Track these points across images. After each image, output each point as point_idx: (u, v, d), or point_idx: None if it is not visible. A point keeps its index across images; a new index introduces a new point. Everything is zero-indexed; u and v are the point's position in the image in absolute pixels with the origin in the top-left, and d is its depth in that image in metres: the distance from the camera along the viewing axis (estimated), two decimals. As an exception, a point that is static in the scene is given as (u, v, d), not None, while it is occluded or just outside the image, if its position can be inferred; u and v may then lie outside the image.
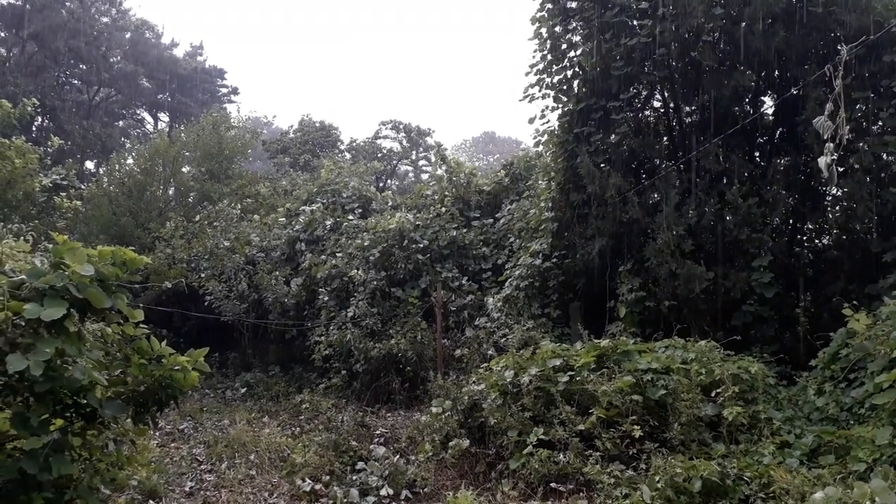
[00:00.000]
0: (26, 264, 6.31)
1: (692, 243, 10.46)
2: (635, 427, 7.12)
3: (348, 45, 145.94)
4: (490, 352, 11.45)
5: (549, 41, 12.17)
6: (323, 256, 16.56)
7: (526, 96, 12.56)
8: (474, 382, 8.92)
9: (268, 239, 18.15)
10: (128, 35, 48.11)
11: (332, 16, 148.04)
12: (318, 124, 37.91)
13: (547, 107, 12.35)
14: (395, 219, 15.87)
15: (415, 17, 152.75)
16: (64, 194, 18.99)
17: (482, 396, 8.34)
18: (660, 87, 12.10)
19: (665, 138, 12.12)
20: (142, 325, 4.65)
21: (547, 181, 12.96)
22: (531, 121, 12.59)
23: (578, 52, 12.00)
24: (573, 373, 8.01)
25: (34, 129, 38.41)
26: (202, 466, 8.85)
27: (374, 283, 14.81)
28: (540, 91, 12.37)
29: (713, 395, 7.51)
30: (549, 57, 12.20)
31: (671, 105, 12.20)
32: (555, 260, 12.26)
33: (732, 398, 7.25)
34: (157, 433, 10.40)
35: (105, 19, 46.20)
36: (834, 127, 6.40)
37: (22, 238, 9.58)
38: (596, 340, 8.93)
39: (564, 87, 12.19)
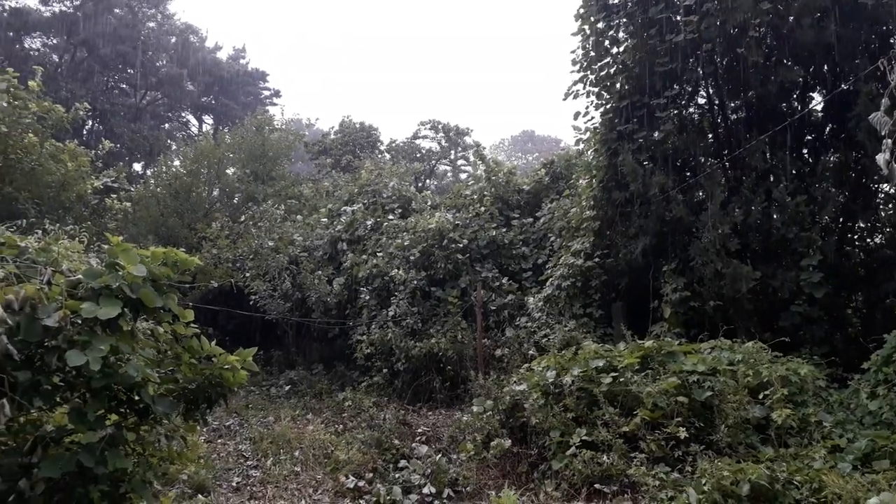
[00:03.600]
0: (81, 264, 6.53)
1: (738, 242, 10.24)
2: (681, 429, 7.01)
3: (388, 46, 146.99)
4: (531, 352, 11.40)
5: (591, 37, 12.08)
6: (364, 256, 16.72)
7: (569, 93, 12.48)
8: (515, 382, 8.90)
9: (310, 239, 18.39)
10: (173, 39, 49.25)
11: (371, 17, 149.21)
12: (358, 125, 38.23)
13: (590, 103, 12.25)
14: (434, 218, 15.93)
15: (454, 16, 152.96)
16: (114, 196, 19.54)
17: (524, 396, 8.31)
18: (704, 83, 11.89)
19: (710, 135, 11.89)
20: (191, 325, 4.76)
21: (588, 179, 12.84)
22: (575, 117, 12.50)
23: (622, 48, 11.87)
24: (616, 374, 7.92)
25: (85, 132, 39.61)
26: (248, 462, 9.02)
27: (415, 282, 14.89)
28: (583, 88, 12.29)
29: (761, 397, 7.36)
30: (592, 53, 12.10)
31: (716, 102, 11.97)
32: (597, 259, 12.15)
33: (781, 401, 7.08)
34: (205, 429, 10.63)
35: (151, 24, 47.39)
36: (891, 122, 6.19)
37: (76, 239, 9.92)
38: (639, 341, 8.83)
39: (607, 84, 12.06)
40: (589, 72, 12.26)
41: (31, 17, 41.37)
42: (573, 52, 12.48)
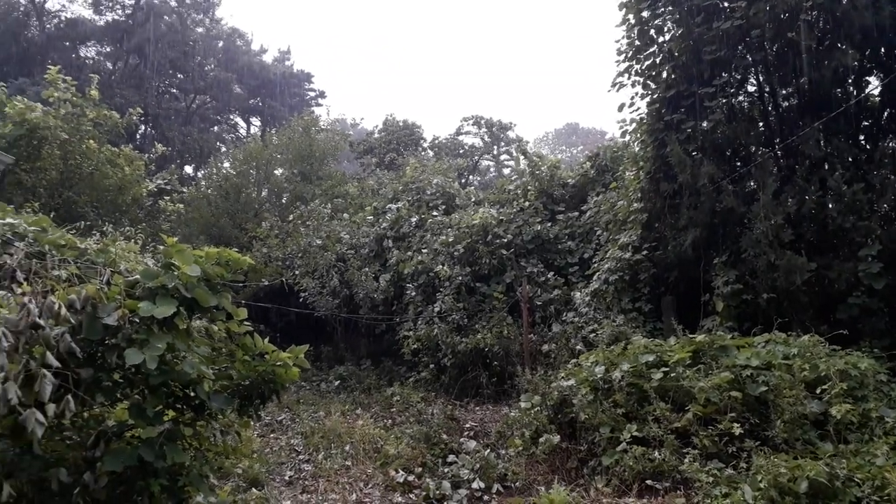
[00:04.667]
0: (137, 264, 6.74)
1: (792, 233, 9.93)
2: (734, 424, 6.85)
3: (430, 43, 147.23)
4: (578, 347, 11.30)
5: (636, 27, 11.88)
6: (409, 253, 16.81)
7: (614, 84, 12.30)
8: (563, 378, 8.85)
9: (357, 236, 18.59)
10: (220, 44, 50.35)
11: (413, 15, 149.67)
12: (401, 123, 38.45)
13: (636, 94, 12.04)
14: (478, 214, 15.92)
15: (496, 11, 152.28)
16: (167, 198, 20.14)
17: (572, 392, 8.25)
18: (754, 70, 11.56)
19: (760, 124, 11.55)
20: (244, 323, 4.87)
21: (635, 171, 12.64)
22: (620, 109, 12.31)
23: (668, 37, 11.64)
24: (667, 369, 7.80)
25: (138, 136, 40.84)
26: (300, 456, 9.19)
27: (459, 278, 14.91)
28: (628, 79, 12.09)
29: (818, 392, 7.13)
30: (638, 43, 11.90)
31: (766, 89, 11.62)
32: (645, 252, 11.94)
33: (840, 395, 6.85)
34: (258, 424, 10.86)
35: (200, 29, 48.52)
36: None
37: (132, 240, 10.25)
38: (690, 335, 8.66)
39: (653, 74, 11.85)
40: (634, 62, 12.06)
41: (85, 27, 42.87)
42: (618, 42, 12.29)
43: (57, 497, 4.26)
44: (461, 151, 41.41)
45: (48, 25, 41.99)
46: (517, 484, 7.62)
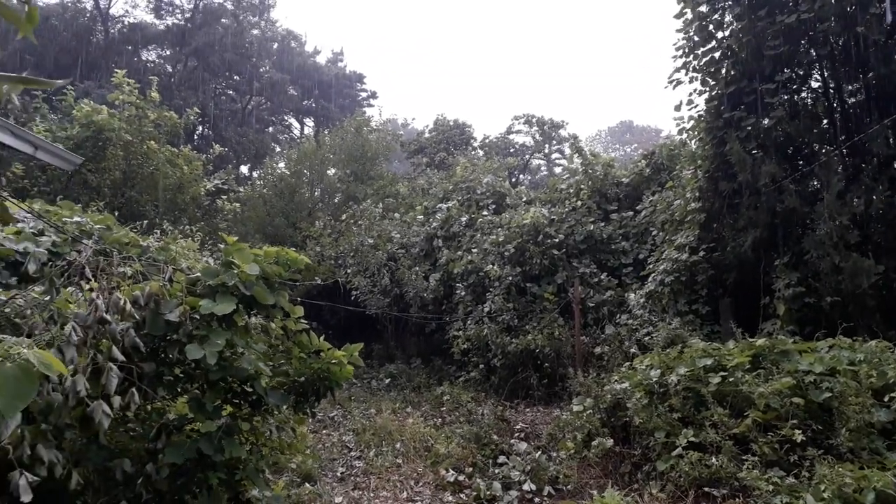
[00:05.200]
0: (196, 262, 6.92)
1: (858, 234, 9.53)
2: (796, 431, 6.60)
3: (481, 43, 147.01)
4: (632, 350, 11.08)
5: (695, 22, 11.58)
6: (459, 252, 16.81)
7: (671, 81, 12.03)
8: (617, 381, 8.70)
9: (407, 236, 18.69)
10: (275, 46, 51.39)
11: (464, 15, 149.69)
12: (451, 123, 38.51)
13: (694, 91, 11.76)
14: (529, 214, 15.79)
15: (548, 8, 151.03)
16: (224, 197, 20.67)
17: (626, 395, 8.11)
18: (819, 65, 11.13)
19: (825, 121, 11.12)
20: (300, 321, 4.94)
21: (693, 170, 12.33)
22: (678, 107, 12.03)
23: (728, 32, 11.32)
24: (726, 373, 7.57)
25: (196, 137, 42.02)
26: (352, 453, 9.28)
27: (510, 278, 14.83)
28: (686, 75, 11.81)
29: (887, 399, 6.81)
30: (696, 39, 11.60)
31: (832, 85, 11.18)
32: (702, 253, 11.63)
33: (910, 404, 6.54)
34: (311, 420, 11.03)
35: (255, 31, 49.62)
36: None
37: (191, 238, 10.55)
38: (750, 339, 8.40)
39: (712, 70, 11.53)
40: (692, 58, 11.76)
41: (146, 31, 44.35)
42: (676, 37, 12.02)
43: (121, 487, 4.40)
44: (512, 150, 41.24)
45: (112, 30, 43.58)
46: (569, 487, 7.53)
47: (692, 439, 7.06)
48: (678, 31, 11.92)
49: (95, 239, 6.21)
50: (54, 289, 4.07)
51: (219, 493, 4.60)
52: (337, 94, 52.55)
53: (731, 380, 7.45)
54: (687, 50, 11.81)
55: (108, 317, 3.94)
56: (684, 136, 13.06)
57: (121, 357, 3.93)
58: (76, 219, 7.03)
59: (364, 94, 55.31)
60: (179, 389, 4.73)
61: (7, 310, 5.17)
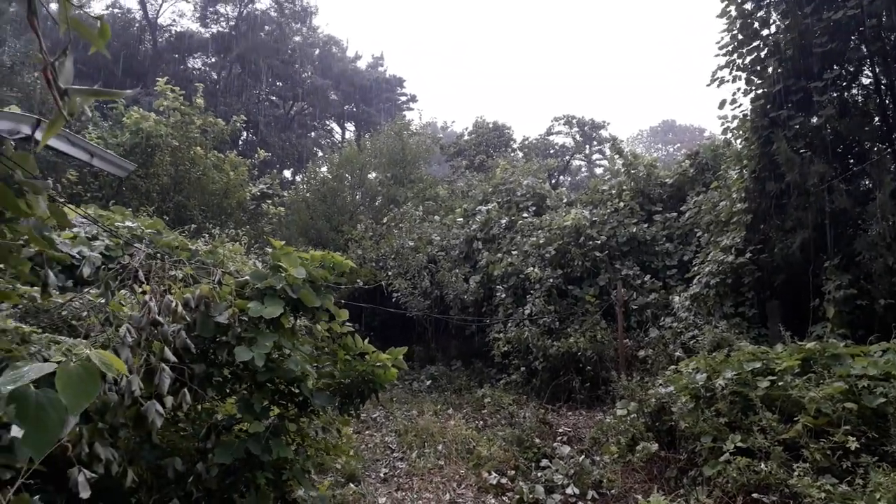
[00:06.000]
0: (243, 265, 7.06)
1: (914, 234, 9.22)
2: (849, 438, 6.42)
3: (521, 45, 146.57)
4: (677, 353, 10.92)
5: (739, 20, 11.36)
6: (499, 254, 16.78)
7: (714, 80, 11.82)
8: (661, 385, 8.59)
9: (447, 238, 18.74)
10: (317, 51, 52.09)
11: (504, 17, 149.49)
12: (491, 125, 38.43)
13: (738, 89, 11.52)
14: (570, 215, 15.68)
15: (588, 8, 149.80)
16: (269, 202, 21.06)
17: (671, 399, 7.99)
18: (869, 62, 10.78)
19: (876, 118, 10.77)
20: (345, 324, 5.01)
21: (739, 170, 12.08)
22: (721, 105, 11.81)
23: (773, 29, 11.07)
24: (774, 377, 7.40)
25: (241, 143, 42.85)
26: (394, 454, 9.34)
27: (551, 280, 14.74)
28: (730, 74, 11.58)
29: (946, 406, 6.57)
30: (740, 37, 11.38)
31: (883, 81, 10.81)
32: (749, 255, 11.39)
33: (971, 410, 6.29)
34: (354, 421, 11.14)
35: (297, 38, 50.37)
36: None
37: (238, 242, 10.78)
38: (799, 342, 8.20)
39: (757, 69, 11.29)
40: (736, 56, 11.54)
41: (192, 40, 45.45)
42: (719, 35, 11.80)
43: (173, 485, 4.52)
44: (552, 152, 40.96)
45: (160, 39, 44.76)
46: (613, 491, 7.46)
47: (740, 444, 6.92)
48: (722, 30, 11.71)
49: (147, 243, 6.40)
50: (109, 292, 4.21)
51: (266, 493, 4.69)
52: (377, 99, 52.97)
53: (780, 384, 7.28)
54: (731, 48, 11.59)
55: (160, 319, 4.06)
56: (729, 135, 12.81)
57: (172, 358, 4.05)
58: (128, 223, 7.24)
59: (404, 98, 55.64)
60: (228, 390, 4.85)
61: (64, 312, 5.36)
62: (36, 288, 4.92)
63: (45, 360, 4.10)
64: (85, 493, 3.21)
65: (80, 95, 1.61)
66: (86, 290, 5.48)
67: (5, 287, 4.66)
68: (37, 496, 2.87)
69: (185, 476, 4.48)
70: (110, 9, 41.87)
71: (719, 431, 7.24)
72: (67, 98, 1.57)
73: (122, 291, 4.69)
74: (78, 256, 6.16)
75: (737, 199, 11.91)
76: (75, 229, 6.84)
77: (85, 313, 5.31)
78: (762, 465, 6.59)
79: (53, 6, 1.60)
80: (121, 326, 4.00)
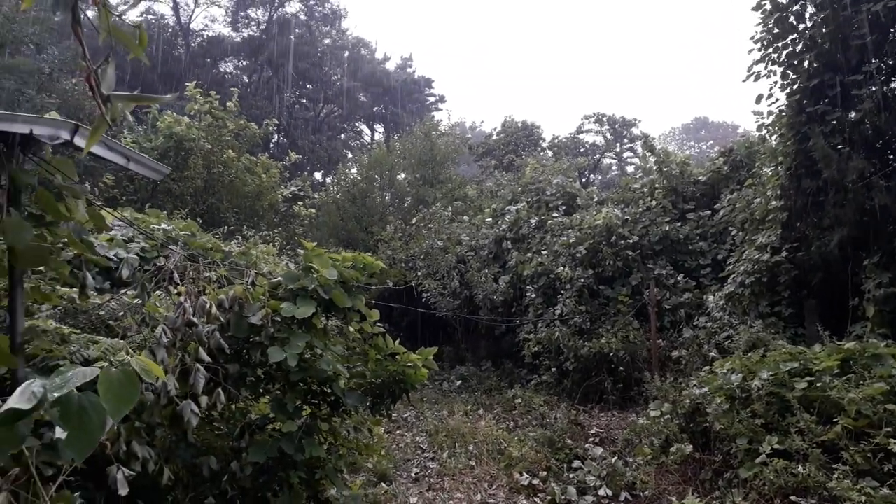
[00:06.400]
0: (275, 266, 7.13)
1: (958, 231, 8.94)
2: (891, 440, 6.25)
3: (551, 43, 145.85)
4: (712, 353, 10.75)
5: (774, 13, 11.12)
6: (529, 254, 16.70)
7: (749, 75, 11.59)
8: (695, 385, 8.46)
9: (476, 238, 18.71)
10: (346, 54, 52.46)
11: (533, 17, 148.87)
12: (519, 124, 38.29)
13: (774, 84, 11.29)
14: (601, 214, 15.54)
15: (619, 6, 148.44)
16: (300, 203, 21.29)
17: (705, 400, 7.87)
18: (911, 54, 10.50)
19: (919, 112, 10.48)
20: (376, 324, 5.04)
21: (774, 167, 11.84)
22: (758, 101, 11.59)
23: (809, 23, 10.82)
24: (812, 378, 7.24)
25: (272, 145, 43.35)
26: (425, 454, 9.35)
27: (582, 280, 14.62)
28: (765, 68, 11.35)
29: None
30: (776, 31, 11.14)
31: (926, 74, 10.53)
32: (785, 253, 11.15)
33: None
34: (384, 421, 11.19)
35: (327, 41, 50.80)
36: None
37: (270, 243, 10.91)
38: (837, 342, 8.01)
39: (793, 63, 11.04)
40: (772, 50, 11.30)
41: (224, 44, 46.13)
42: (754, 29, 11.59)
43: (208, 483, 4.59)
44: (582, 150, 40.67)
45: (192, 44, 45.51)
46: (646, 493, 7.37)
47: (777, 446, 6.79)
48: (756, 24, 11.50)
49: (181, 245, 6.51)
50: (146, 293, 4.29)
51: (299, 492, 4.73)
52: (406, 100, 53.16)
53: (818, 385, 7.12)
54: (766, 42, 11.36)
55: (195, 319, 4.12)
56: (764, 131, 12.55)
57: (207, 358, 4.11)
58: (163, 226, 7.38)
59: (433, 99, 55.76)
60: (261, 390, 4.90)
61: (102, 313, 5.48)
62: (75, 289, 5.05)
63: (84, 360, 4.20)
64: (123, 491, 3.27)
65: (121, 101, 1.65)
66: (122, 291, 5.59)
67: (46, 289, 4.78)
68: (77, 493, 2.93)
69: (220, 475, 4.54)
70: (144, 15, 42.72)
71: (755, 433, 7.11)
72: (110, 104, 1.60)
73: (158, 293, 4.78)
74: (115, 258, 6.29)
75: (772, 197, 11.67)
76: (112, 232, 6.98)
77: (122, 314, 5.42)
78: (800, 468, 6.45)
79: (90, 13, 1.63)
80: (157, 327, 4.08)
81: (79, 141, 3.81)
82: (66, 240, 3.64)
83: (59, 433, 1.90)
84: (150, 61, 38.96)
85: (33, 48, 22.25)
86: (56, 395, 1.80)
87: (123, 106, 1.66)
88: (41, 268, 4.63)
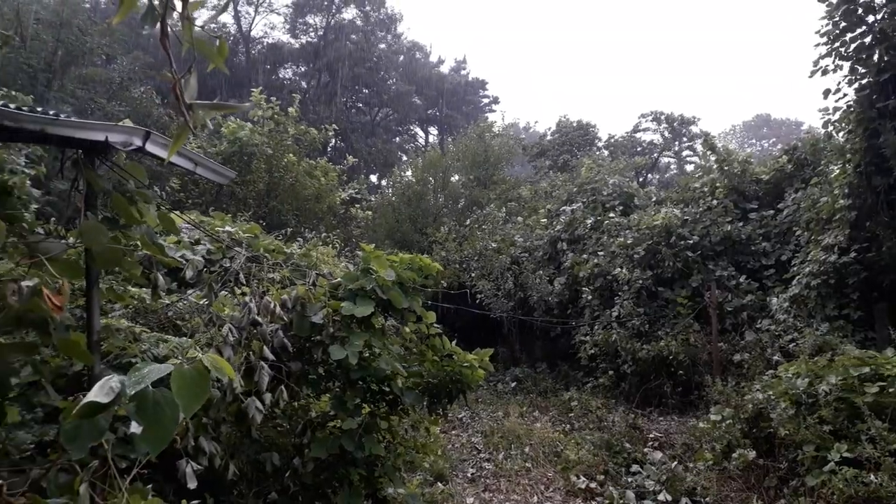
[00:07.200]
0: (335, 267, 7.28)
1: None
2: (971, 450, 5.96)
3: (605, 42, 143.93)
4: (776, 357, 10.42)
5: (842, 6, 10.72)
6: (584, 255, 16.52)
7: (815, 70, 11.20)
8: (759, 390, 8.22)
9: (530, 239, 18.62)
10: (401, 58, 52.98)
11: (588, 16, 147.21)
12: (574, 124, 37.88)
13: (842, 79, 10.88)
14: (660, 214, 15.25)
15: (673, 5, 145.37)
16: (357, 206, 21.64)
17: (769, 405, 7.65)
18: None
19: None
20: (433, 325, 5.09)
21: (842, 164, 11.40)
22: (825, 95, 11.18)
23: (879, 15, 10.39)
24: (884, 383, 6.95)
25: (329, 149, 44.11)
26: (480, 455, 9.38)
27: (640, 282, 14.37)
28: (832, 63, 10.95)
29: None
30: (843, 24, 10.74)
31: None
32: (854, 254, 10.72)
33: None
34: (440, 421, 11.27)
35: (382, 45, 51.41)
36: None
37: (329, 245, 11.13)
38: (912, 347, 7.67)
39: (862, 57, 10.61)
40: (839, 44, 10.89)
41: (283, 51, 47.23)
42: (820, 23, 11.19)
43: (271, 478, 4.72)
44: (639, 149, 39.96)
45: (253, 51, 46.75)
46: (707, 500, 7.21)
47: (846, 454, 6.55)
48: (823, 17, 11.10)
49: (245, 247, 6.71)
50: (213, 293, 4.46)
51: (358, 489, 4.83)
52: (460, 102, 53.33)
53: (890, 391, 6.85)
54: (833, 36, 10.95)
55: (259, 319, 4.26)
56: (830, 128, 12.09)
57: (271, 356, 4.24)
58: (227, 228, 7.62)
59: (486, 100, 55.78)
60: (322, 388, 5.02)
61: (170, 313, 5.70)
62: (145, 290, 5.27)
63: (154, 358, 4.38)
64: (192, 484, 3.40)
65: (203, 109, 1.74)
66: (189, 291, 5.81)
67: (118, 289, 5.01)
68: (149, 485, 3.07)
69: (283, 470, 4.67)
70: (206, 24, 44.01)
71: (823, 440, 6.87)
72: (192, 112, 1.69)
73: (224, 293, 4.95)
74: (183, 260, 6.53)
75: (839, 195, 11.24)
76: (179, 234, 7.25)
77: (189, 314, 5.63)
78: (872, 477, 6.21)
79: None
80: (223, 326, 4.23)
81: (150, 147, 3.99)
82: (137, 242, 3.80)
83: (135, 427, 2.00)
84: (212, 69, 40.16)
85: (104, 59, 23.24)
86: (133, 390, 1.90)
87: (204, 114, 1.75)
88: (116, 269, 4.85)
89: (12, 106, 3.35)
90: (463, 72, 56.29)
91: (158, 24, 1.59)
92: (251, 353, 4.25)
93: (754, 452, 7.45)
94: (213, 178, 4.73)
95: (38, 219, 5.69)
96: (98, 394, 1.93)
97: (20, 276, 3.05)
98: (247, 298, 4.26)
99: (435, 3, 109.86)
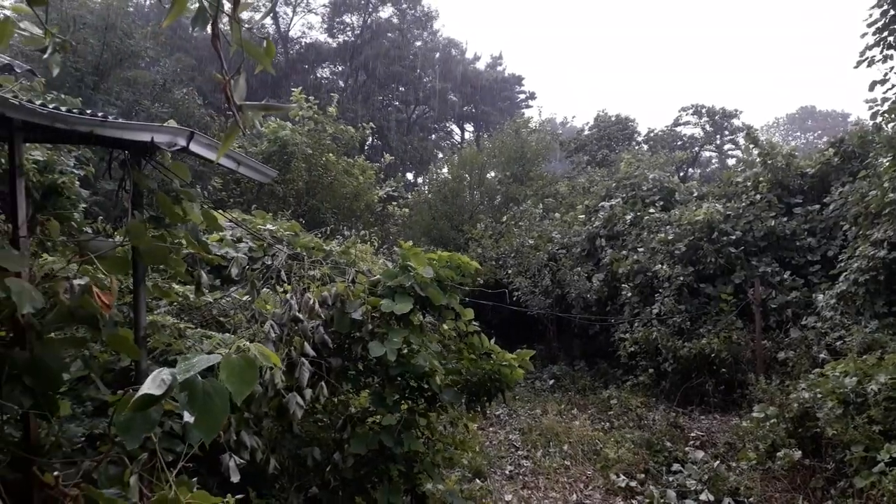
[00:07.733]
0: (373, 264, 7.34)
1: None
2: None
3: (644, 35, 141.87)
4: (822, 355, 10.17)
5: (891, -6, 10.41)
6: (624, 252, 16.32)
7: (862, 60, 10.90)
8: (804, 389, 8.04)
9: (568, 236, 18.47)
10: (437, 55, 52.97)
11: (625, 7, 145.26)
12: (613, 118, 37.42)
13: (890, 69, 10.55)
14: (701, 210, 14.98)
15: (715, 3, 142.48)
16: (394, 203, 21.76)
17: (816, 404, 7.48)
18: None
19: None
20: (471, 323, 5.10)
21: (891, 157, 11.05)
22: (872, 87, 10.86)
23: (931, 1, 10.05)
24: (937, 383, 6.74)
25: (366, 148, 44.43)
26: (518, 452, 9.37)
27: (681, 278, 14.15)
28: (880, 53, 10.63)
29: None
30: (892, 12, 10.41)
31: None
32: (905, 249, 10.40)
33: None
34: (478, 418, 11.28)
35: (418, 43, 51.49)
36: None
37: (367, 242, 11.21)
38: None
39: (913, 46, 10.30)
40: (887, 33, 10.56)
41: (321, 50, 47.70)
42: (867, 12, 10.86)
43: (312, 473, 4.79)
44: (679, 143, 39.25)
45: (291, 51, 47.31)
46: (751, 500, 7.09)
47: (897, 455, 6.36)
48: (871, 6, 10.77)
49: (286, 244, 6.81)
50: (255, 290, 4.54)
51: (398, 485, 4.87)
52: (496, 98, 53.12)
53: (945, 391, 6.62)
54: (881, 25, 10.62)
55: (300, 315, 4.33)
56: (879, 119, 11.73)
57: (311, 352, 4.30)
58: (268, 226, 7.74)
59: (523, 96, 55.43)
60: (362, 384, 5.08)
61: (213, 310, 5.82)
62: (189, 287, 5.39)
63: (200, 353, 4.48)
64: (235, 478, 3.47)
65: (251, 110, 1.77)
66: (232, 288, 5.93)
67: (163, 286, 5.14)
68: (194, 479, 3.15)
69: (323, 465, 4.74)
70: (245, 25, 44.73)
71: (872, 440, 6.69)
72: (242, 113, 1.73)
73: (266, 290, 5.04)
74: (225, 257, 6.66)
75: (889, 189, 10.89)
76: (222, 232, 7.39)
77: (232, 311, 5.74)
78: (924, 479, 6.02)
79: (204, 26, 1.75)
80: (265, 323, 4.31)
81: (194, 147, 4.08)
82: (182, 240, 3.89)
83: (187, 417, 2.06)
84: (251, 68, 40.77)
85: (148, 61, 23.76)
86: (183, 377, 1.96)
87: (253, 114, 1.78)
88: (161, 266, 4.98)
89: (63, 109, 3.46)
90: (499, 68, 56.04)
91: (209, 27, 1.63)
92: (292, 349, 4.32)
93: (800, 452, 7.30)
94: (254, 177, 4.82)
95: (87, 218, 5.87)
96: (151, 386, 1.99)
97: (72, 275, 3.16)
98: (288, 295, 4.33)
99: (471, 1, 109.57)
